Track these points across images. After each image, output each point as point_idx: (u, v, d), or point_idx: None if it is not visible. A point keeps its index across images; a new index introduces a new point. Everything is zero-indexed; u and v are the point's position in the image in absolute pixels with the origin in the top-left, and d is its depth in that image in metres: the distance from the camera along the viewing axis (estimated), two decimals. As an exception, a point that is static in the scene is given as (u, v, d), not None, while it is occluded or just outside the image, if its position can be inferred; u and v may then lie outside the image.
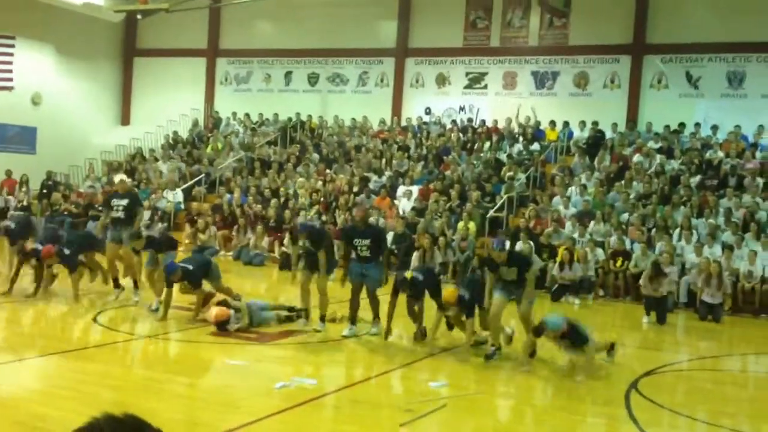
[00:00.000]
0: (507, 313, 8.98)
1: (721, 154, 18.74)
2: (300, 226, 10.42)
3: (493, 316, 8.81)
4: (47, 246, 11.22)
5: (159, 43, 27.01)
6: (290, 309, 10.40)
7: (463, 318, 9.08)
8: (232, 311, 9.67)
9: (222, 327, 9.39)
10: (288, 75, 25.79)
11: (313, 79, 25.46)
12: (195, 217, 19.00)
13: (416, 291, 9.34)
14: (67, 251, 11.19)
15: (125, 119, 27.81)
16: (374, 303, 9.71)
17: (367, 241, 9.55)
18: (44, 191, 21.53)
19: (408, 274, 9.34)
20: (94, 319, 9.89)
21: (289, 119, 24.22)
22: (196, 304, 10.16)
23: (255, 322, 9.83)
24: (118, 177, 12.54)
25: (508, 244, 9.10)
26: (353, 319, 9.72)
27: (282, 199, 19.39)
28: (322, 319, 9.83)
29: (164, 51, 26.82)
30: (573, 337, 8.33)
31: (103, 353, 8.37)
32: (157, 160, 23.41)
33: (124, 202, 11.36)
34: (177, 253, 11.67)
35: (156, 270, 10.63)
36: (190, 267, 10.04)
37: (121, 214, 11.27)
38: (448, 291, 9.10)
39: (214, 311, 9.60)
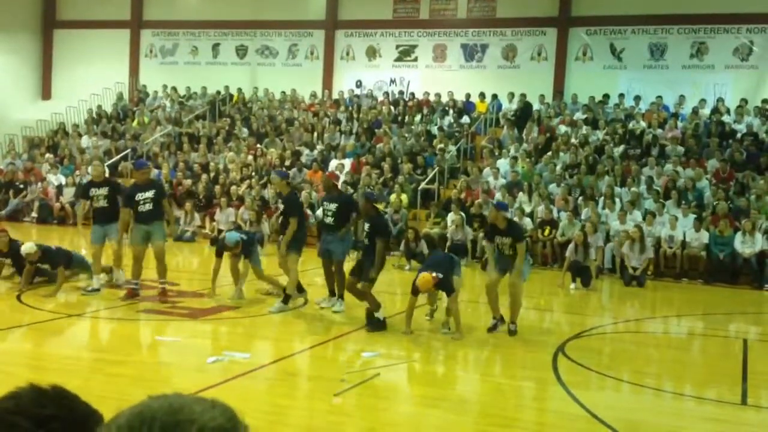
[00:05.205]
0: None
1: (643, 124, 19.28)
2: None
3: (488, 287, 8.88)
4: None
5: (80, 14, 26.08)
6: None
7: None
8: None
9: None
10: (216, 47, 25.29)
11: (241, 52, 25.04)
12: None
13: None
14: None
15: (46, 93, 26.86)
16: (339, 278, 9.58)
17: (333, 206, 9.51)
18: (-39, 169, 20.72)
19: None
20: (18, 299, 9.62)
21: (218, 93, 23.81)
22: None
23: None
24: (94, 164, 11.21)
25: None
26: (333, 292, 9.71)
27: (212, 175, 19.11)
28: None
29: (85, 23, 25.92)
30: None
31: (29, 333, 8.17)
32: (80, 135, 22.72)
33: (150, 194, 9.68)
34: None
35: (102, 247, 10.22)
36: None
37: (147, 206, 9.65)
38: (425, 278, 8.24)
39: None
